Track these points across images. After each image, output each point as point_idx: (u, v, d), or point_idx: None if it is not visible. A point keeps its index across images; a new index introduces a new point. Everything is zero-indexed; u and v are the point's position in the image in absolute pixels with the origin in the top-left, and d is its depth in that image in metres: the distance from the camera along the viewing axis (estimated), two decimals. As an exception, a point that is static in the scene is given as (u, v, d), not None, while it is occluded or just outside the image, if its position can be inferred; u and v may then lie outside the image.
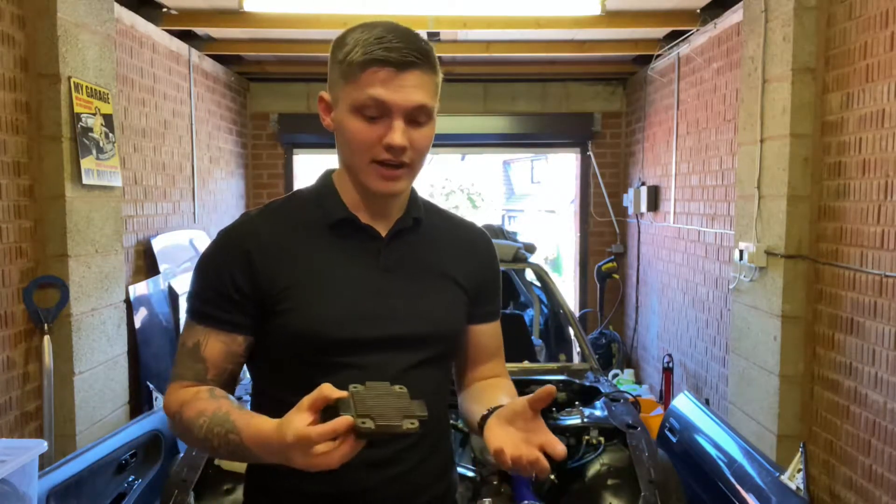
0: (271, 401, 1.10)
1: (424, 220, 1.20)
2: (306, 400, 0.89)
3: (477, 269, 1.25)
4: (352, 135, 1.06)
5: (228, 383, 1.12)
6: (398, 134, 1.04)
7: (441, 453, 1.22)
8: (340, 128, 1.09)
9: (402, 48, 1.03)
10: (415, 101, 1.04)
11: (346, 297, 1.11)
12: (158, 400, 3.31)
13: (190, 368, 1.10)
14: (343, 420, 0.86)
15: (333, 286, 1.11)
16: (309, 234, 1.13)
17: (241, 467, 2.11)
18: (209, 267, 1.13)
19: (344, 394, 0.88)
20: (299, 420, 0.88)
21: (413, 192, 1.21)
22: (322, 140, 5.89)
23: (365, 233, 1.14)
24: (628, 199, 5.42)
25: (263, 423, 0.95)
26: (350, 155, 1.09)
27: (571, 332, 3.76)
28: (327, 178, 1.19)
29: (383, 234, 1.15)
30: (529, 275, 4.52)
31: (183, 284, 3.83)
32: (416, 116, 1.06)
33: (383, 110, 1.04)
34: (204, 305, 1.11)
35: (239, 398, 2.61)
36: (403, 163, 1.07)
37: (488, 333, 1.28)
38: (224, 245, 1.13)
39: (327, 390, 0.89)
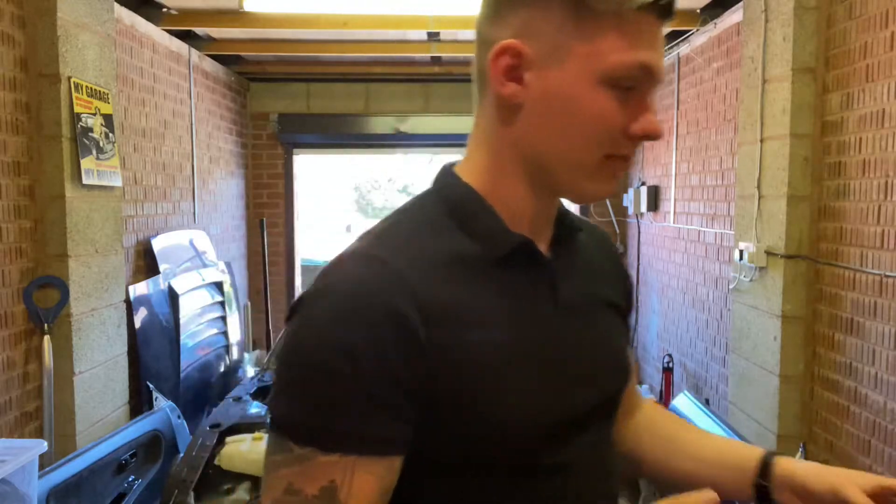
0: None
1: (579, 226, 0.86)
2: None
3: (623, 284, 0.93)
4: (596, 117, 0.70)
5: None
6: (655, 117, 0.72)
7: None
8: (563, 101, 0.71)
9: None
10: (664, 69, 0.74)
11: (539, 368, 0.73)
12: (158, 400, 3.31)
13: None
14: None
15: (524, 348, 0.73)
16: (468, 275, 0.72)
17: (241, 467, 2.11)
18: (337, 349, 0.65)
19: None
20: None
21: None
22: (322, 140, 5.90)
23: (535, 260, 0.76)
24: (628, 199, 5.42)
25: None
26: (573, 145, 0.72)
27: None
28: (458, 181, 0.78)
29: (546, 255, 0.79)
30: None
31: (183, 284, 3.83)
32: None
33: (639, 82, 0.71)
34: (336, 419, 0.65)
35: (238, 398, 2.62)
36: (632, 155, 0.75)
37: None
38: (359, 309, 0.66)
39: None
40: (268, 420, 0.72)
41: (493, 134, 0.76)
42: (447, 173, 0.79)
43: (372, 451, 0.65)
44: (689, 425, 0.97)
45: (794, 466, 0.82)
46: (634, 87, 0.70)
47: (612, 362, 0.83)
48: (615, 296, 0.87)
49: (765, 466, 0.84)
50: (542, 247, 0.78)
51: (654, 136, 0.71)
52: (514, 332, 0.72)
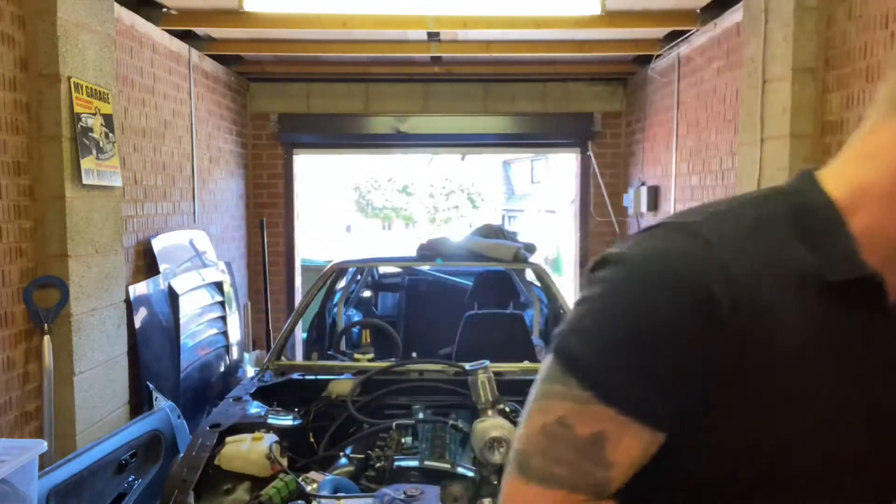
0: None
1: None
2: None
3: None
4: None
5: None
6: None
7: None
8: None
9: None
10: None
11: (838, 407, 0.67)
12: (158, 400, 3.31)
13: (584, 474, 0.67)
14: None
15: (823, 384, 0.66)
16: (795, 289, 0.66)
17: (241, 467, 2.11)
18: (645, 320, 0.65)
19: None
20: None
21: None
22: (322, 140, 5.91)
23: (878, 302, 0.66)
24: (628, 199, 5.42)
25: None
26: None
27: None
28: (821, 192, 0.70)
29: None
30: (529, 275, 4.51)
31: (183, 284, 3.83)
32: None
33: None
34: (627, 376, 0.65)
35: (238, 398, 2.62)
36: None
37: None
38: (676, 280, 0.65)
39: None
40: (552, 349, 0.71)
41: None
42: (806, 178, 0.72)
43: (647, 420, 0.65)
44: None
45: None
46: None
47: None
48: None
49: None
50: None
51: None
52: (815, 359, 0.65)
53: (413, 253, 3.55)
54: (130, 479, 2.21)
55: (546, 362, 0.71)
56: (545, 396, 0.69)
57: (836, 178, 0.69)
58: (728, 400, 0.65)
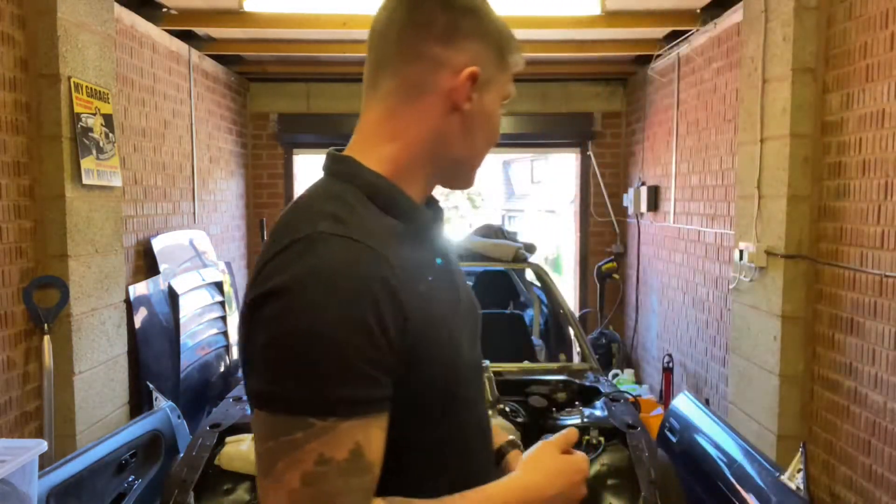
0: (425, 470, 0.86)
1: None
2: (562, 443, 0.94)
3: None
4: (495, 127, 0.94)
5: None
6: None
7: None
8: (485, 116, 0.92)
9: None
10: None
11: (461, 309, 0.93)
12: (158, 400, 3.31)
13: (355, 490, 0.73)
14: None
15: (453, 301, 0.91)
16: (411, 245, 0.86)
17: (241, 467, 2.11)
18: (344, 321, 0.73)
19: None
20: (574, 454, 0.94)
21: None
22: (322, 140, 5.90)
23: (438, 230, 0.96)
24: (628, 199, 5.42)
25: (520, 477, 0.88)
26: (480, 147, 0.94)
27: (571, 332, 3.76)
28: (373, 172, 0.88)
29: None
30: (529, 275, 4.52)
31: (183, 284, 3.83)
32: None
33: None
34: (350, 386, 0.73)
35: (238, 398, 2.62)
36: None
37: None
38: (355, 283, 0.74)
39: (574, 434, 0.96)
40: (261, 407, 0.75)
41: (416, 135, 0.89)
42: (351, 164, 0.88)
43: (380, 409, 0.76)
44: None
45: (510, 458, 1.03)
46: None
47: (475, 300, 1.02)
48: None
49: (499, 455, 1.04)
50: None
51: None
52: (445, 287, 0.90)
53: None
54: (130, 479, 2.21)
55: (261, 424, 0.75)
56: (287, 449, 0.72)
57: (375, 160, 0.88)
58: (424, 350, 0.80)
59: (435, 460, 0.86)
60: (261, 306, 0.75)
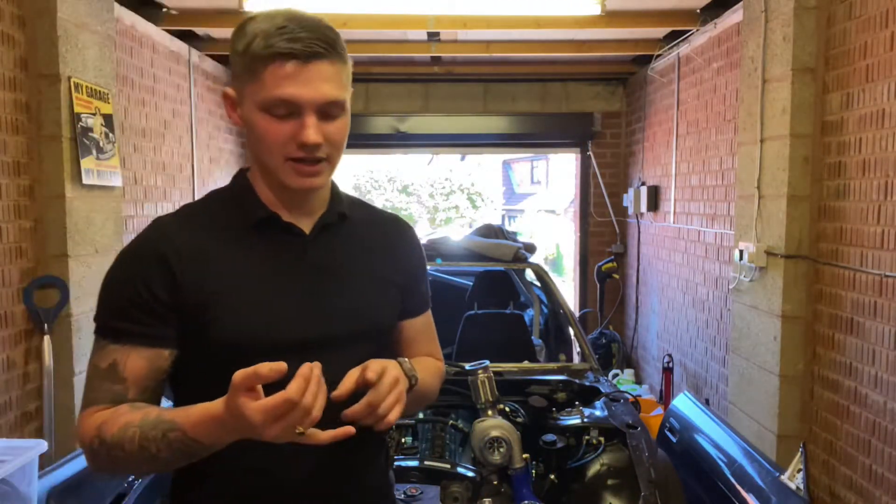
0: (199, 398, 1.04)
1: (349, 214, 1.16)
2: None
3: (406, 262, 1.22)
4: (262, 134, 1.01)
5: (151, 402, 1.03)
6: (311, 131, 0.99)
7: (373, 446, 1.19)
8: (249, 126, 1.03)
9: (306, 38, 0.97)
10: (326, 96, 0.99)
11: (273, 301, 1.06)
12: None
13: (107, 391, 1.01)
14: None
15: (258, 290, 1.06)
16: (230, 237, 1.07)
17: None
18: (121, 277, 1.04)
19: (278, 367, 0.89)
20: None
21: (334, 186, 1.17)
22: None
23: (289, 231, 1.09)
24: (628, 199, 5.42)
25: (206, 406, 0.91)
26: (263, 154, 1.03)
27: (571, 332, 3.76)
28: (242, 177, 1.13)
29: (307, 231, 1.11)
30: (529, 275, 4.51)
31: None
32: (329, 110, 1.01)
33: (293, 108, 0.99)
34: (118, 321, 1.02)
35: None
36: (320, 158, 1.02)
37: (418, 327, 1.25)
38: (136, 252, 1.05)
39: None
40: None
41: (249, 147, 1.10)
42: (239, 173, 1.15)
43: (140, 343, 1.02)
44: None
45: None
46: (291, 111, 0.99)
47: (343, 311, 1.10)
48: (385, 268, 1.18)
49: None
50: (304, 225, 1.11)
51: (307, 144, 1.00)
52: (252, 276, 1.06)
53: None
54: (130, 479, 2.21)
55: None
56: (91, 357, 1.05)
57: (253, 170, 1.12)
58: (203, 316, 1.02)
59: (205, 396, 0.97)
60: None
